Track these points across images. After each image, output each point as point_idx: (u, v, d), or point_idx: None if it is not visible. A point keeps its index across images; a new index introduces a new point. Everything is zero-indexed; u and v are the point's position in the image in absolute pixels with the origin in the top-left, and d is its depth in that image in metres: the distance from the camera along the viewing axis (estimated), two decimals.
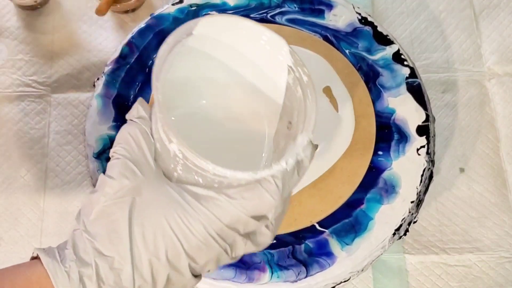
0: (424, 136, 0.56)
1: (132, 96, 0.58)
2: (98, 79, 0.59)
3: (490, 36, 0.68)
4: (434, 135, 0.57)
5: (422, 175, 0.55)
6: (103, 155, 0.55)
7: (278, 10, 0.60)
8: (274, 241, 0.52)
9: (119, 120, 0.56)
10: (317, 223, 0.53)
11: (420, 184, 0.54)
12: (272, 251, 0.52)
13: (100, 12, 0.63)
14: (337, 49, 0.59)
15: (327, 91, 0.56)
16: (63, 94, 0.65)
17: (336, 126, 0.55)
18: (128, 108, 0.57)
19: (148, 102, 0.56)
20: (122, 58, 0.59)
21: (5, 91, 0.65)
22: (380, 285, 0.57)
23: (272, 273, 0.51)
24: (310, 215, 0.52)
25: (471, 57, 0.67)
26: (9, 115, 0.64)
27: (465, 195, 0.61)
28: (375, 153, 0.55)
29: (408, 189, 0.54)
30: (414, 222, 0.55)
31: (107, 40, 0.67)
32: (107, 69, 0.59)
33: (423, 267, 0.58)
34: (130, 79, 0.58)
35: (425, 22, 0.68)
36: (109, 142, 0.55)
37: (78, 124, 0.63)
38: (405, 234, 0.54)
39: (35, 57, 0.66)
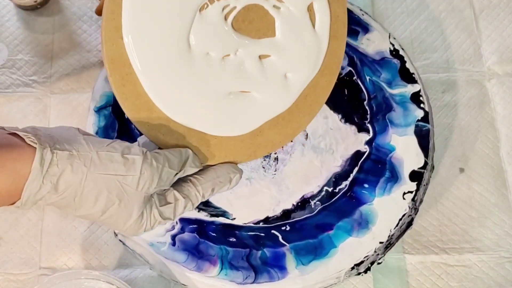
0: (416, 183, 0.55)
1: None
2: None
3: (490, 36, 0.68)
4: (427, 184, 0.56)
5: (400, 219, 0.54)
6: (102, 111, 0.57)
7: None
8: (234, 240, 0.52)
9: None
10: (281, 236, 0.53)
11: (395, 228, 0.53)
12: (229, 248, 0.52)
13: (100, 12, 0.63)
14: (359, 73, 0.58)
15: (310, 7, 0.51)
16: (63, 94, 0.65)
17: (309, 50, 0.50)
18: None
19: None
20: None
21: (5, 91, 0.65)
22: (380, 285, 0.57)
23: (221, 269, 0.51)
24: (268, 146, 0.50)
25: (471, 57, 0.67)
26: (9, 115, 0.64)
27: (465, 195, 0.61)
28: (361, 184, 0.54)
29: (381, 229, 0.53)
30: (379, 263, 0.55)
31: None
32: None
33: (423, 267, 0.58)
34: None
35: (425, 22, 0.68)
36: (112, 99, 0.57)
37: (78, 124, 0.63)
38: (365, 272, 0.54)
39: (35, 57, 0.66)
